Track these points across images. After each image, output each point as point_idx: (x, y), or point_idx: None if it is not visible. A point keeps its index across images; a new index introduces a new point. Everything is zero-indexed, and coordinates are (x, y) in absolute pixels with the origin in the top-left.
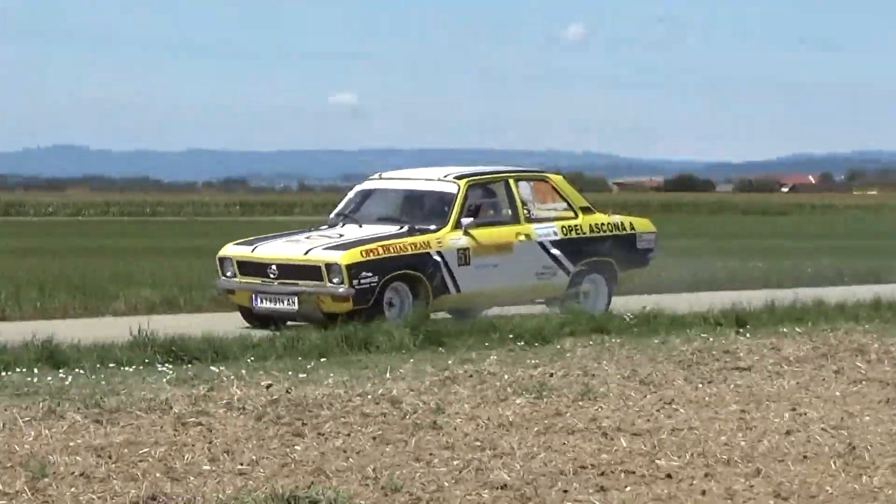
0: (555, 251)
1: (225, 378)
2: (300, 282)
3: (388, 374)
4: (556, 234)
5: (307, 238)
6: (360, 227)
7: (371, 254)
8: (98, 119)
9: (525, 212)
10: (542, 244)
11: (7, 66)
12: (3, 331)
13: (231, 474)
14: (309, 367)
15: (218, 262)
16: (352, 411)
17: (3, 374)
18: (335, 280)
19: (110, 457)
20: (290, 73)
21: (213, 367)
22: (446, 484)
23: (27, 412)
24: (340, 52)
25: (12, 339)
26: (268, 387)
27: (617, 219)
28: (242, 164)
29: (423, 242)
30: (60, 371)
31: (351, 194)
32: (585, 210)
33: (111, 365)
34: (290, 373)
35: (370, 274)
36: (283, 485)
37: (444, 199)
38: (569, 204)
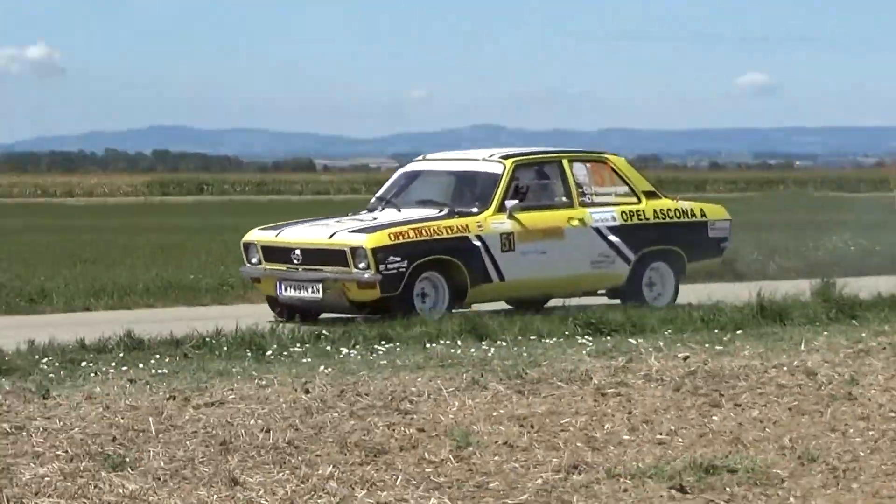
0: (613, 238)
1: (643, 350)
2: (325, 268)
3: (802, 346)
4: (614, 219)
5: (337, 222)
6: (399, 211)
7: (401, 237)
8: (517, 104)
9: (580, 195)
10: (598, 230)
11: None
12: None
13: (650, 443)
14: (725, 339)
15: (242, 248)
16: (767, 382)
17: (430, 345)
18: (361, 265)
19: (532, 426)
20: (698, 55)
21: (631, 340)
22: (862, 454)
23: (451, 383)
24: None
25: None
26: (685, 358)
27: (686, 205)
28: (655, 142)
29: (462, 226)
30: (483, 343)
31: (394, 177)
32: (649, 195)
33: (532, 337)
34: (706, 345)
35: (398, 259)
36: (701, 454)
37: (489, 181)
38: (630, 187)
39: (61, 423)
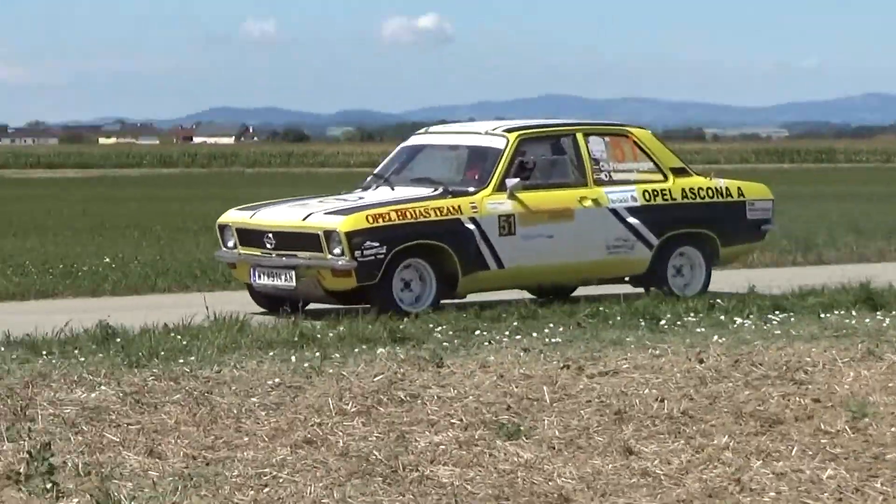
0: (632, 220)
1: None
2: (299, 253)
3: None
4: (634, 199)
5: (319, 202)
6: (392, 189)
7: (380, 219)
8: None
9: (596, 172)
10: (615, 211)
11: None
12: (820, 274)
13: None
14: None
15: (218, 231)
16: None
17: (824, 315)
18: (335, 251)
19: None
20: None
21: None
22: None
23: (846, 353)
24: None
25: (831, 282)
26: None
27: (721, 183)
28: None
29: (453, 207)
30: (878, 313)
31: (395, 152)
32: (678, 172)
33: None
34: None
35: (376, 244)
36: None
37: (489, 156)
38: (656, 163)
39: (455, 391)
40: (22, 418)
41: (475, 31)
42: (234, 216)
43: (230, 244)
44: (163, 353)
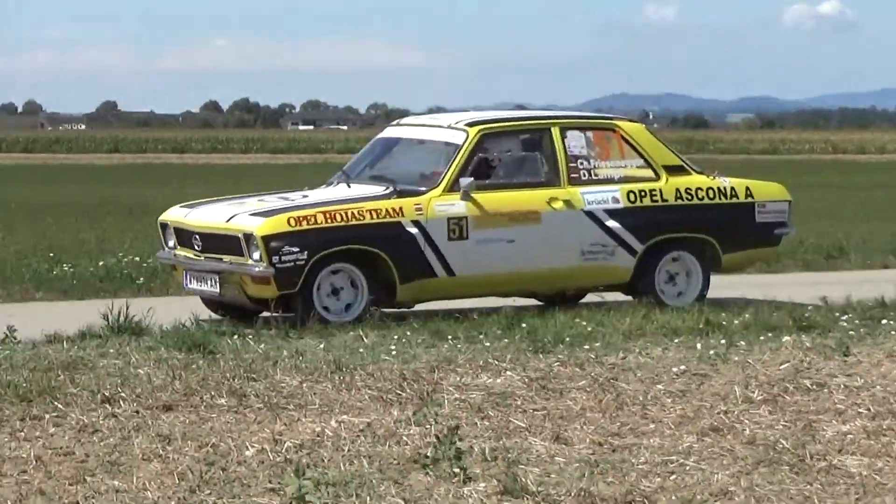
0: (612, 223)
1: None
2: (225, 257)
3: None
4: (616, 200)
5: (258, 200)
6: (349, 187)
7: (303, 222)
8: None
9: (572, 171)
10: (591, 214)
11: None
12: None
13: None
14: None
15: (160, 229)
16: None
17: None
18: (254, 256)
19: None
20: None
21: None
22: None
23: None
24: None
25: None
26: None
27: (726, 182)
28: None
29: (394, 209)
30: None
31: (368, 145)
32: (674, 170)
33: None
34: None
35: (296, 249)
36: None
37: (445, 153)
38: (647, 161)
39: (862, 380)
40: (429, 402)
41: (879, 18)
42: (173, 214)
43: (171, 244)
44: (568, 339)
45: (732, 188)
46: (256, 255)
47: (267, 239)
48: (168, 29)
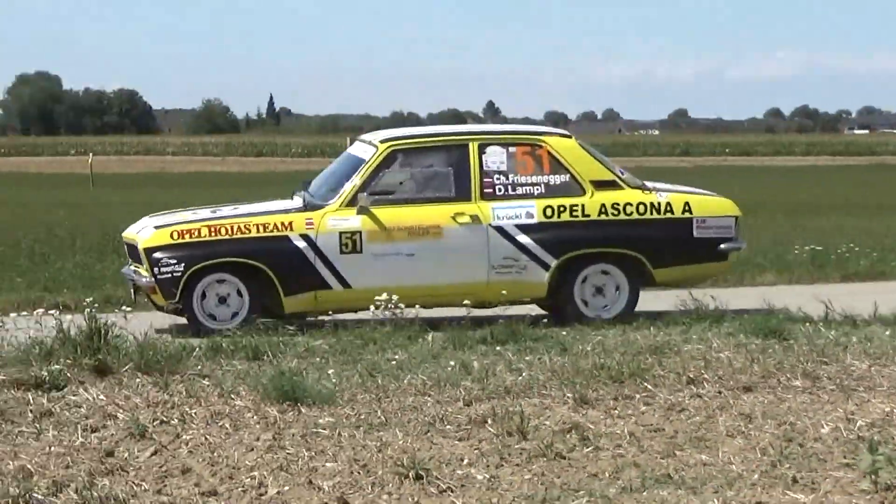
0: (523, 238)
1: None
2: (138, 268)
3: None
4: (530, 216)
5: (192, 213)
6: (284, 200)
7: (186, 236)
8: None
9: (487, 187)
10: (500, 229)
11: None
12: None
13: None
14: None
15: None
16: None
17: None
18: (144, 266)
19: None
20: None
21: None
22: None
23: None
24: None
25: None
26: None
27: (661, 197)
28: None
29: (282, 223)
30: None
31: (339, 157)
32: (603, 185)
33: None
34: None
35: (174, 262)
36: None
37: (353, 168)
38: (573, 176)
39: None
40: None
41: None
42: (130, 230)
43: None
44: None
45: (668, 203)
46: (145, 266)
47: (149, 251)
48: (733, 43)
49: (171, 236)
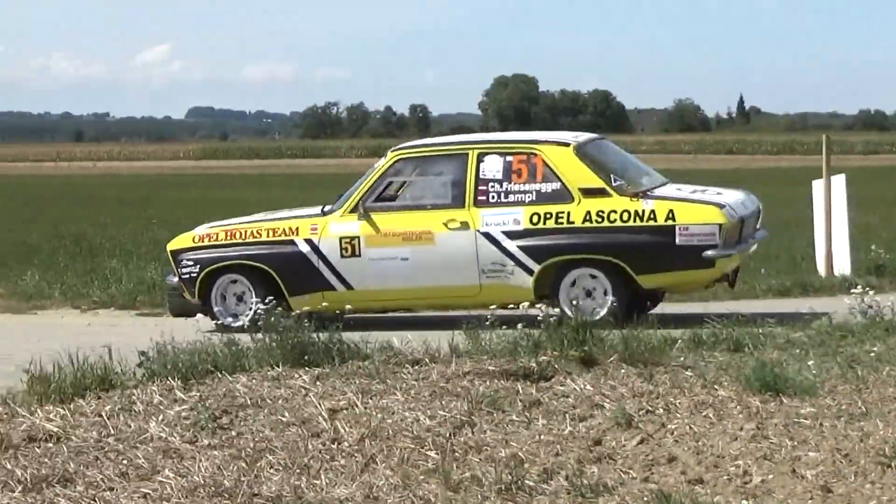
0: (509, 244)
1: None
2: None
3: None
4: (517, 222)
5: (242, 218)
6: (313, 207)
7: (206, 239)
8: None
9: (481, 194)
10: (488, 235)
11: None
12: None
13: None
14: None
15: None
16: None
17: None
18: (173, 267)
19: None
20: None
21: None
22: None
23: None
24: None
25: None
26: None
27: (647, 205)
28: None
29: (290, 228)
30: None
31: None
32: (592, 193)
33: None
34: None
35: (191, 263)
36: None
37: (365, 176)
38: (564, 184)
39: None
40: None
41: None
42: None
43: None
44: None
45: (652, 211)
46: (173, 268)
47: (174, 253)
48: None
49: (193, 240)
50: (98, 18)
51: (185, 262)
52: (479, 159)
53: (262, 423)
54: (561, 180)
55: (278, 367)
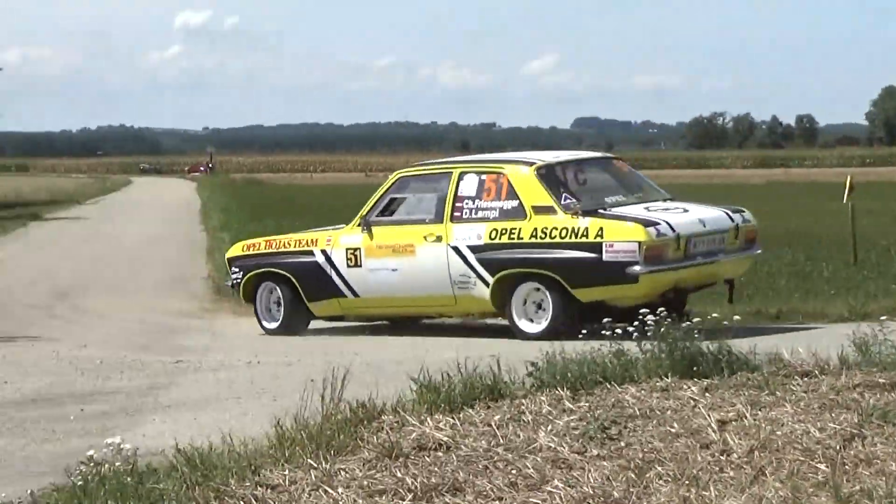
0: (472, 257)
1: None
2: None
3: None
4: (479, 237)
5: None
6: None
7: (251, 248)
8: None
9: (457, 210)
10: (456, 248)
11: None
12: None
13: None
14: None
15: None
16: None
17: None
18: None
19: None
20: None
21: None
22: None
23: None
24: None
25: None
26: None
27: (582, 223)
28: None
29: (311, 240)
30: None
31: None
32: (541, 210)
33: None
34: None
35: (237, 270)
36: None
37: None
38: (520, 202)
39: None
40: None
41: None
42: None
43: None
44: None
45: (586, 228)
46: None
47: (229, 260)
48: None
49: (243, 248)
50: (486, 29)
51: (233, 268)
52: (460, 178)
53: (651, 434)
54: (519, 199)
55: (667, 377)
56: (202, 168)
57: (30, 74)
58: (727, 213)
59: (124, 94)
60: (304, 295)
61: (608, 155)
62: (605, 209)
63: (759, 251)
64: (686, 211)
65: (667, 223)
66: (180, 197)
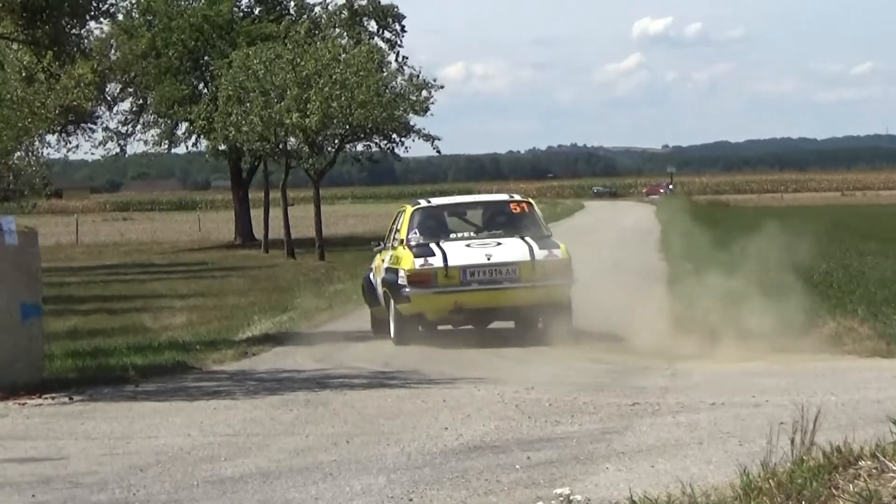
0: (378, 279)
1: None
2: None
3: None
4: (384, 261)
5: None
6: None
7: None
8: None
9: (390, 240)
10: (381, 270)
11: None
12: None
13: None
14: None
15: None
16: None
17: None
18: None
19: None
20: None
21: None
22: None
23: None
24: None
25: None
26: None
27: (400, 253)
28: None
29: (381, 258)
30: None
31: None
32: (400, 243)
33: None
34: None
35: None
36: None
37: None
38: (400, 236)
39: None
40: None
41: None
42: None
43: None
44: None
45: (397, 257)
46: None
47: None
48: None
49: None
50: None
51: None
52: (403, 213)
53: None
54: (400, 232)
55: None
56: (661, 189)
57: (472, 92)
58: (530, 249)
59: (575, 111)
60: (367, 302)
61: (500, 198)
62: (438, 243)
63: (568, 282)
64: (487, 246)
65: (443, 256)
66: (637, 221)
